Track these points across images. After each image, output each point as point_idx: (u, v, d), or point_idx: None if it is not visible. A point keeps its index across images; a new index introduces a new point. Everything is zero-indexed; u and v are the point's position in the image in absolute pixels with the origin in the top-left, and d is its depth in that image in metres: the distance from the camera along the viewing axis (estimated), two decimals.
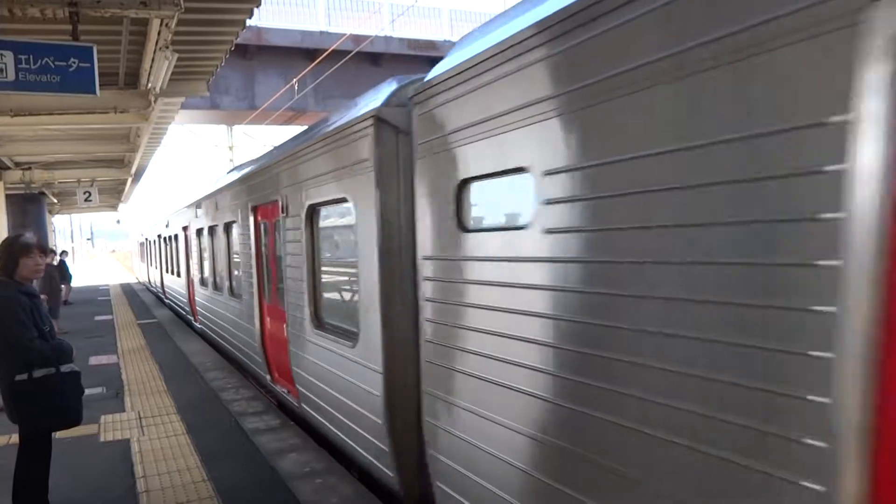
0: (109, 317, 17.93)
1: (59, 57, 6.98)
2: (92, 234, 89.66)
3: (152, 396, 8.48)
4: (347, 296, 5.56)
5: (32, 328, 4.51)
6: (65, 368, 4.65)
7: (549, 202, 2.87)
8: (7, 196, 21.17)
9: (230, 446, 6.32)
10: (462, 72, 3.47)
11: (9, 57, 6.76)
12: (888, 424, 1.72)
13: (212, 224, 11.39)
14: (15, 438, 4.78)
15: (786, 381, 1.93)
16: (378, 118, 4.46)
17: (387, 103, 4.49)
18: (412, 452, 4.50)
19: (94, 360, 11.03)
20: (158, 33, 7.86)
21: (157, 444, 6.48)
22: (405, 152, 4.37)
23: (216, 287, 11.37)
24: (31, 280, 4.82)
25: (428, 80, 3.93)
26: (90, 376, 8.76)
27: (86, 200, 22.03)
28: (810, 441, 1.87)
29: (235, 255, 9.68)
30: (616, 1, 2.43)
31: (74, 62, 7.05)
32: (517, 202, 3.19)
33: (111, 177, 21.70)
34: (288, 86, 23.07)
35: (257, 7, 8.63)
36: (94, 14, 6.79)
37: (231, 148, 31.31)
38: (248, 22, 9.18)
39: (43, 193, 22.40)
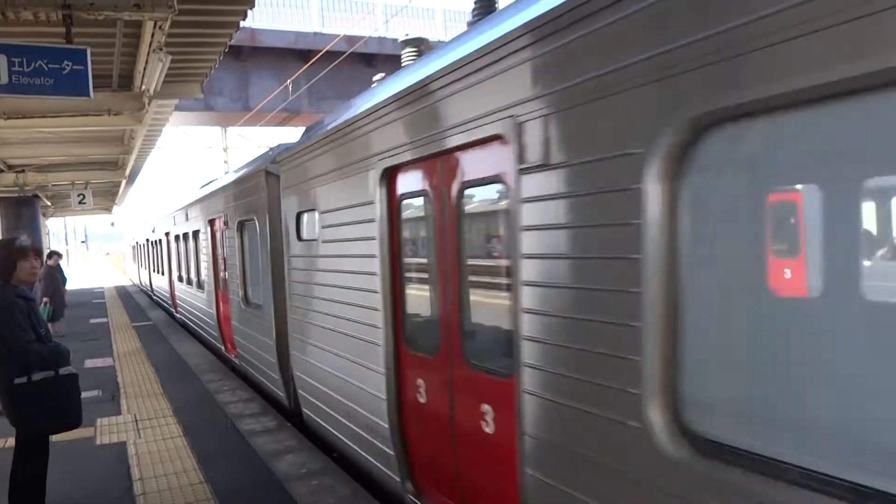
0: (104, 319, 17.90)
1: (52, 59, 6.98)
2: (86, 236, 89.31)
3: (148, 399, 8.48)
4: (258, 281, 8.30)
5: (30, 331, 4.51)
6: (63, 371, 4.66)
7: (323, 227, 5.65)
8: (0, 199, 21.13)
9: (227, 448, 6.33)
10: (293, 154, 6.42)
11: (2, 60, 6.76)
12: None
13: (185, 231, 14.11)
14: (11, 442, 4.77)
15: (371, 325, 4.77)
16: (266, 171, 7.60)
17: (272, 161, 7.47)
18: (290, 376, 7.15)
19: (89, 363, 11.01)
20: (152, 35, 7.86)
21: (154, 446, 6.48)
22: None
23: (189, 282, 14.18)
24: (31, 284, 4.81)
25: (283, 153, 6.85)
26: (86, 379, 8.73)
27: (80, 203, 22.00)
28: (379, 343, 4.62)
29: (201, 257, 12.41)
30: (336, 135, 5.25)
31: (68, 65, 7.05)
32: (316, 226, 5.90)
33: (105, 179, 21.67)
34: (282, 87, 23.05)
35: (251, 9, 8.63)
36: (88, 17, 6.79)
37: (225, 150, 31.26)
38: (242, 23, 9.18)
39: (37, 196, 22.32)
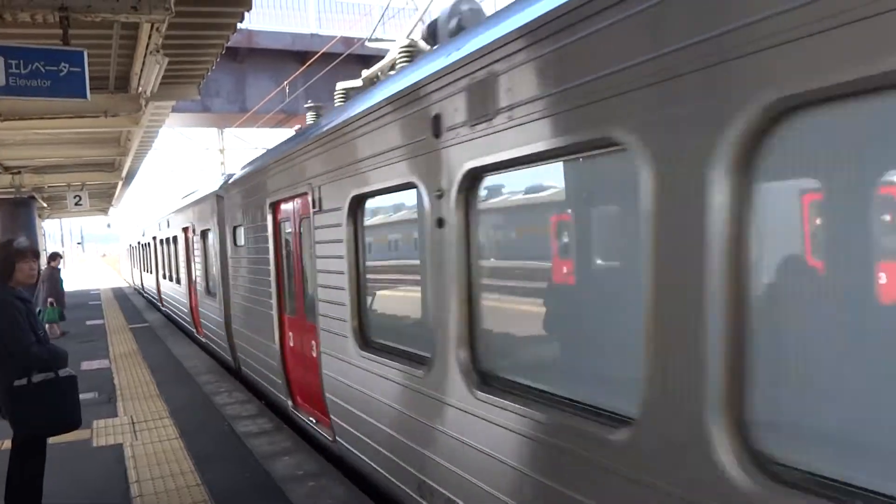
0: (101, 321, 17.87)
1: (49, 61, 6.98)
2: (82, 237, 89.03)
3: (145, 401, 8.47)
4: (215, 276, 10.76)
5: (30, 333, 4.51)
6: (63, 373, 4.66)
7: (246, 237, 8.46)
8: None
9: (224, 450, 6.33)
10: (230, 185, 9.29)
11: None
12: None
13: (167, 236, 16.75)
14: (8, 444, 4.76)
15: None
16: (217, 194, 10.21)
17: (221, 187, 10.03)
18: (234, 345, 9.78)
19: (85, 365, 11.00)
20: (149, 37, 7.86)
21: (151, 448, 6.48)
22: None
23: (171, 279, 16.87)
24: (29, 286, 4.81)
25: (226, 182, 9.75)
26: (82, 381, 8.64)
27: (76, 204, 21.94)
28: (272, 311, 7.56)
29: (179, 257, 15.13)
30: (249, 176, 8.30)
31: (65, 66, 7.05)
32: (243, 236, 8.60)
33: (102, 181, 21.64)
34: (279, 88, 23.02)
35: (248, 10, 8.64)
36: (85, 18, 6.79)
37: (222, 151, 31.22)
38: (239, 25, 9.19)
39: (33, 197, 22.28)
